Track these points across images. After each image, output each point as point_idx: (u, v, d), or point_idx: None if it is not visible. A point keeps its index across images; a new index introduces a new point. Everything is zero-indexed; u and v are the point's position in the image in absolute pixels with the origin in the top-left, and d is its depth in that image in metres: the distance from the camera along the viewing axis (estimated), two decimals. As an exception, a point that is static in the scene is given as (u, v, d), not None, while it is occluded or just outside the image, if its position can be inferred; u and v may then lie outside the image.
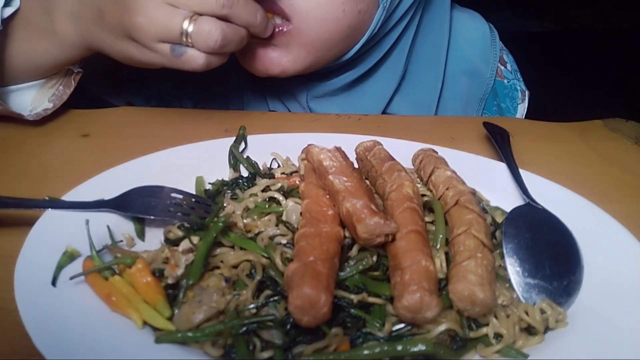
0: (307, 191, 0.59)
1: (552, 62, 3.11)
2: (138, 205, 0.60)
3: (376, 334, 0.48)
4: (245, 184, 0.68)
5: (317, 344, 0.46)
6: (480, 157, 0.76)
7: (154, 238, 0.59)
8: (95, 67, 0.91)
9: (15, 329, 0.43)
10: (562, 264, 0.56)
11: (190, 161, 0.71)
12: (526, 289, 0.53)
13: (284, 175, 0.69)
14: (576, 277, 0.55)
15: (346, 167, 0.60)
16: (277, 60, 0.83)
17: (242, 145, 0.76)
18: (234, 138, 0.76)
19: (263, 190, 0.64)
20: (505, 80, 1.09)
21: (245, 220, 0.59)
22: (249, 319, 0.47)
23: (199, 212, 0.60)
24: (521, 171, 0.71)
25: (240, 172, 0.72)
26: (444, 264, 0.53)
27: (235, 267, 0.53)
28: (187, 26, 0.67)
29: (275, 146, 0.75)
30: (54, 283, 0.49)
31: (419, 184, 0.65)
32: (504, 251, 0.56)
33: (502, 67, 1.09)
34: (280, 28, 0.80)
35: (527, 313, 0.51)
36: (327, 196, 0.58)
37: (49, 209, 0.57)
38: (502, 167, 0.73)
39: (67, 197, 0.60)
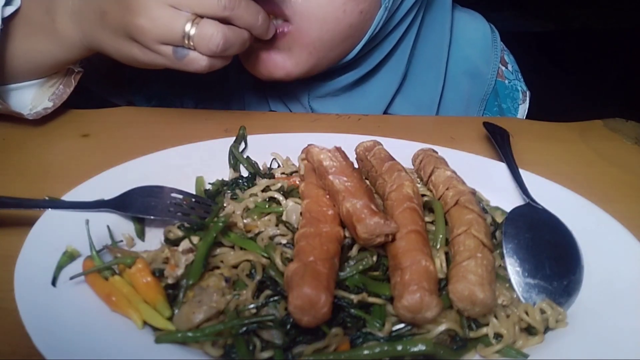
0: (307, 191, 0.59)
1: (552, 62, 3.11)
2: (138, 205, 0.60)
3: (376, 334, 0.48)
4: (245, 184, 0.68)
5: (317, 344, 0.46)
6: (480, 157, 0.76)
7: (154, 238, 0.59)
8: (96, 67, 0.91)
9: (15, 329, 0.43)
10: (562, 264, 0.56)
11: (190, 161, 0.71)
12: (526, 289, 0.53)
13: (284, 175, 0.69)
14: (576, 277, 0.55)
15: (346, 167, 0.60)
16: (281, 64, 0.83)
17: (242, 145, 0.76)
18: (234, 138, 0.76)
19: (263, 190, 0.64)
20: (507, 81, 1.09)
21: (245, 220, 0.59)
22: (249, 319, 0.47)
23: (199, 212, 0.60)
24: (521, 171, 0.71)
25: (240, 172, 0.72)
26: (444, 264, 0.53)
27: (235, 267, 0.53)
28: (189, 29, 0.67)
29: (275, 146, 0.75)
30: (54, 283, 0.49)
31: (419, 184, 0.65)
32: (504, 251, 0.56)
33: (503, 68, 1.09)
34: (281, 29, 0.80)
35: (527, 313, 0.51)
36: (327, 196, 0.58)
37: (49, 209, 0.57)
38: (502, 167, 0.73)
39: (67, 197, 0.60)
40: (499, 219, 0.63)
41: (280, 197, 0.62)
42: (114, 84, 1.06)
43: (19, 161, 0.77)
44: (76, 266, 0.51)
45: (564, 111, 1.04)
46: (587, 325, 0.50)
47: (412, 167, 0.71)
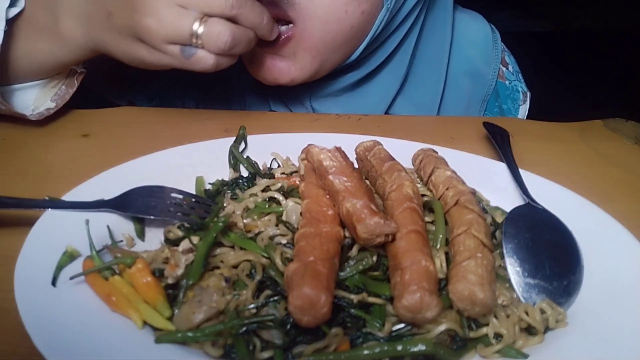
0: (307, 191, 0.59)
1: (552, 62, 3.11)
2: (138, 205, 0.60)
3: (376, 334, 0.48)
4: (245, 184, 0.68)
5: (317, 344, 0.46)
6: (480, 157, 0.76)
7: (154, 238, 0.59)
8: (98, 67, 0.91)
9: (15, 329, 0.43)
10: (562, 264, 0.56)
11: (190, 161, 0.71)
12: (526, 289, 0.53)
13: (284, 175, 0.69)
14: (576, 277, 0.55)
15: (346, 167, 0.60)
16: (286, 70, 0.84)
17: (242, 145, 0.76)
18: (234, 138, 0.76)
19: (263, 190, 0.64)
20: (507, 82, 1.09)
21: (245, 220, 0.59)
22: (249, 319, 0.47)
23: (199, 212, 0.60)
24: (521, 171, 0.71)
25: (240, 172, 0.72)
26: (444, 264, 0.53)
27: (235, 267, 0.53)
28: (197, 27, 0.68)
29: (275, 146, 0.75)
30: (54, 283, 0.49)
31: (419, 184, 0.65)
32: (504, 251, 0.56)
33: (504, 69, 1.09)
34: (285, 35, 0.80)
35: (527, 313, 0.51)
36: (327, 196, 0.58)
37: (49, 209, 0.57)
38: (502, 167, 0.73)
39: (67, 197, 0.59)
40: (499, 219, 0.63)
41: (280, 197, 0.62)
42: (116, 84, 1.06)
43: (19, 161, 0.77)
44: (76, 266, 0.51)
45: (564, 111, 1.04)
46: (587, 325, 0.50)
47: (412, 167, 0.71)
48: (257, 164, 0.73)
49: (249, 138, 0.77)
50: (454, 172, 0.65)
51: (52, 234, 0.54)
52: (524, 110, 1.09)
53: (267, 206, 0.61)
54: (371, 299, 0.50)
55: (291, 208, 0.60)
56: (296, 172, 0.69)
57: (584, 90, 2.68)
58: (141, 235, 0.60)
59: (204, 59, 0.70)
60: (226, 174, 0.71)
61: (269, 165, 0.74)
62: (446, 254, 0.55)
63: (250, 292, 0.50)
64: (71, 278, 0.49)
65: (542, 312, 0.51)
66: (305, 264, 0.47)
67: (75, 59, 0.82)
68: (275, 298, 0.50)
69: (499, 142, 0.78)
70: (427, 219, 0.59)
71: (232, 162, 0.73)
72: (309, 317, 0.45)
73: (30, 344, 0.42)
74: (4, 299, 0.48)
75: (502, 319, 0.50)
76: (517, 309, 0.51)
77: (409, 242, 0.51)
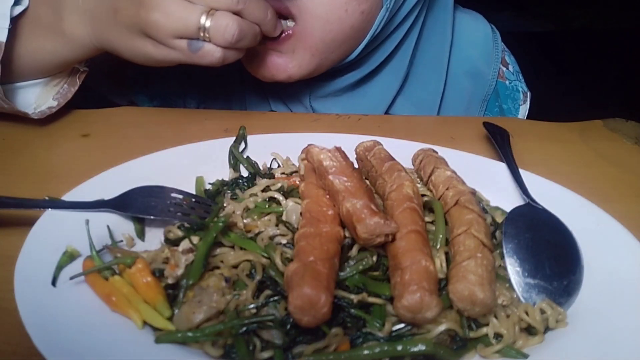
0: (307, 191, 0.59)
1: (552, 62, 3.11)
2: (138, 205, 0.60)
3: (376, 334, 0.48)
4: (245, 184, 0.68)
5: (317, 344, 0.46)
6: (480, 157, 0.76)
7: (154, 238, 0.59)
8: (99, 66, 0.91)
9: (15, 328, 0.43)
10: (562, 264, 0.56)
11: (191, 161, 0.71)
12: (526, 289, 0.53)
13: (284, 175, 0.69)
14: (576, 277, 0.55)
15: (346, 167, 0.60)
16: (283, 66, 0.84)
17: (242, 145, 0.76)
18: (234, 138, 0.76)
19: (263, 190, 0.64)
20: (507, 82, 1.09)
21: (245, 220, 0.59)
22: (249, 319, 0.47)
23: (199, 212, 0.60)
24: (521, 171, 0.71)
25: (240, 172, 0.72)
26: (444, 264, 0.53)
27: (235, 267, 0.53)
28: (205, 21, 0.68)
29: (275, 146, 0.75)
30: (54, 283, 0.48)
31: (419, 184, 0.65)
32: (504, 251, 0.56)
33: (504, 69, 1.09)
34: (286, 32, 0.80)
35: (527, 313, 0.51)
36: (327, 196, 0.58)
37: (49, 209, 0.57)
38: (502, 167, 0.73)
39: (67, 197, 0.59)
40: (499, 219, 0.63)
41: (280, 197, 0.62)
42: (117, 83, 1.06)
43: (19, 161, 0.77)
44: (76, 266, 0.51)
45: (564, 111, 1.04)
46: (587, 325, 0.50)
47: (412, 167, 0.71)
48: (257, 164, 0.73)
49: (249, 138, 0.77)
50: (454, 172, 0.65)
51: (52, 234, 0.54)
52: (524, 110, 1.09)
53: (267, 206, 0.61)
54: (371, 299, 0.50)
55: (291, 208, 0.60)
56: (296, 172, 0.69)
57: (584, 90, 2.68)
58: (141, 235, 0.60)
59: (211, 53, 0.71)
60: (226, 174, 0.71)
61: (269, 165, 0.74)
62: (446, 254, 0.55)
63: (250, 292, 0.50)
64: (71, 278, 0.49)
65: (542, 312, 0.51)
66: (305, 264, 0.47)
67: (78, 57, 0.82)
68: (275, 298, 0.50)
69: (499, 142, 0.78)
70: (427, 219, 0.59)
71: (232, 162, 0.73)
72: (309, 317, 0.45)
73: (30, 344, 0.42)
74: (4, 299, 0.48)
75: (502, 319, 0.50)
76: (517, 309, 0.51)
77: (409, 242, 0.51)
